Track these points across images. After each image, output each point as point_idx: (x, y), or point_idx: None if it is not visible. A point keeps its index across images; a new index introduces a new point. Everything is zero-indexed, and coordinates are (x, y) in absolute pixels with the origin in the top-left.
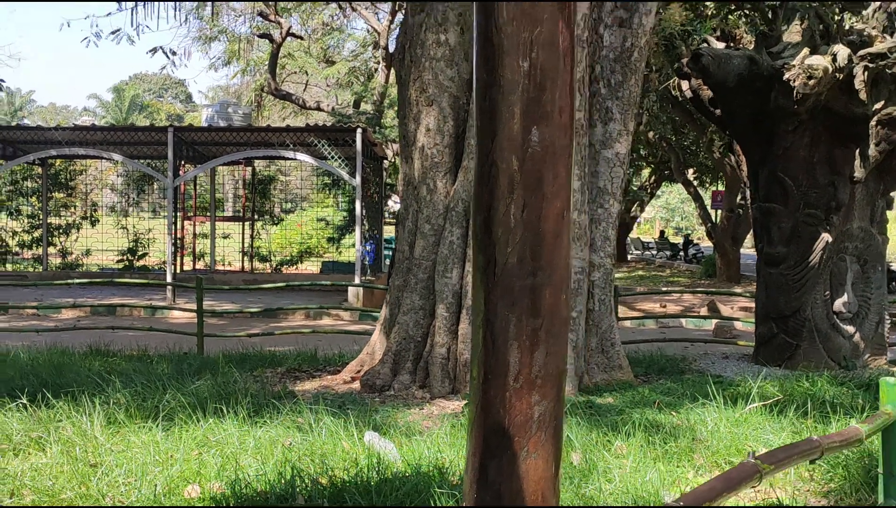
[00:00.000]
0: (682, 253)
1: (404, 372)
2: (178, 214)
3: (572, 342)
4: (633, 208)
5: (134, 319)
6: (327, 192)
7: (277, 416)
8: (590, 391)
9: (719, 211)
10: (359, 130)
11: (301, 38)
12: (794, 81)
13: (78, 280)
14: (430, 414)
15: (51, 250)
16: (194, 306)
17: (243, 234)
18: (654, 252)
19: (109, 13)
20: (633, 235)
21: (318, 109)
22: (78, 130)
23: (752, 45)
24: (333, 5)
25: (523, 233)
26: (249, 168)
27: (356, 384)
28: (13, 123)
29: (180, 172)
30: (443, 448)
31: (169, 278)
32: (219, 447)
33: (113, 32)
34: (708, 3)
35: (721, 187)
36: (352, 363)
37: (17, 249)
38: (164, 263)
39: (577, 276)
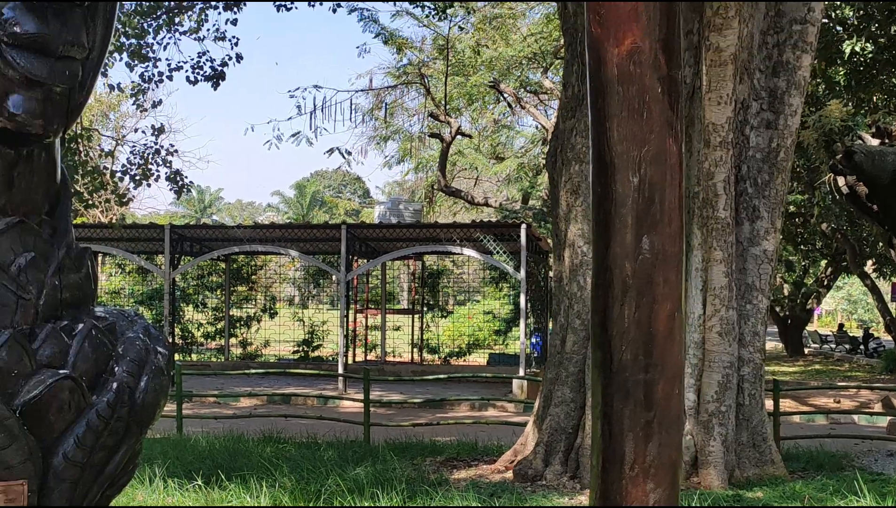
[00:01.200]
0: (861, 347)
1: (555, 463)
2: (352, 306)
3: (721, 436)
4: (809, 302)
5: (307, 408)
6: (494, 285)
7: (430, 502)
8: (740, 485)
9: None
10: (523, 226)
11: (470, 136)
12: None
13: (255, 370)
14: (579, 504)
15: (232, 340)
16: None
17: (412, 326)
18: (833, 346)
19: (290, 117)
20: (811, 328)
21: (486, 204)
22: (258, 228)
23: None
24: (503, 104)
25: (636, 333)
26: (419, 262)
27: (510, 474)
28: (203, 220)
29: (354, 265)
30: None
31: (340, 369)
32: None
33: (293, 135)
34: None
35: None
36: (506, 453)
37: (203, 339)
38: (337, 354)
39: (725, 370)
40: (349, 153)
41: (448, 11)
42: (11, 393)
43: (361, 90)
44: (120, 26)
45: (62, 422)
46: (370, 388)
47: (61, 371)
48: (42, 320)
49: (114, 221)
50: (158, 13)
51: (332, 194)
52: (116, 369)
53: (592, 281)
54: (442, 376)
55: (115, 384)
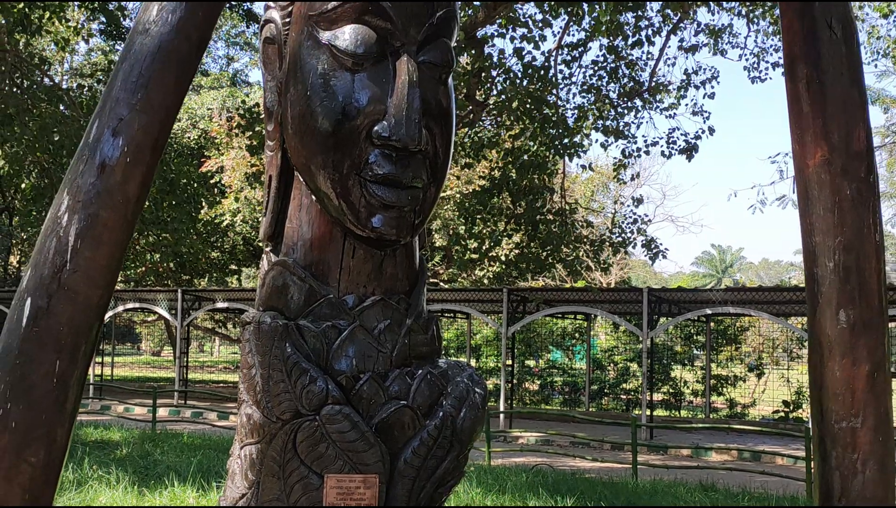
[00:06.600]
0: None
1: None
2: None
3: None
4: None
5: (771, 465)
6: None
7: None
8: None
9: None
10: None
11: None
12: None
13: (700, 425)
14: None
15: (720, 399)
16: None
17: None
18: None
19: (773, 182)
20: None
21: None
22: (730, 291)
23: None
24: None
25: (840, 389)
26: None
27: None
28: (724, 280)
29: None
30: None
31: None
32: None
33: (778, 199)
34: None
35: None
36: None
37: (692, 397)
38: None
39: None
40: None
41: None
42: (370, 416)
43: None
44: (595, 110)
45: (404, 437)
46: None
47: (402, 402)
48: (394, 367)
49: (611, 285)
50: (634, 95)
51: None
52: (444, 403)
53: (808, 345)
54: None
55: (441, 413)
